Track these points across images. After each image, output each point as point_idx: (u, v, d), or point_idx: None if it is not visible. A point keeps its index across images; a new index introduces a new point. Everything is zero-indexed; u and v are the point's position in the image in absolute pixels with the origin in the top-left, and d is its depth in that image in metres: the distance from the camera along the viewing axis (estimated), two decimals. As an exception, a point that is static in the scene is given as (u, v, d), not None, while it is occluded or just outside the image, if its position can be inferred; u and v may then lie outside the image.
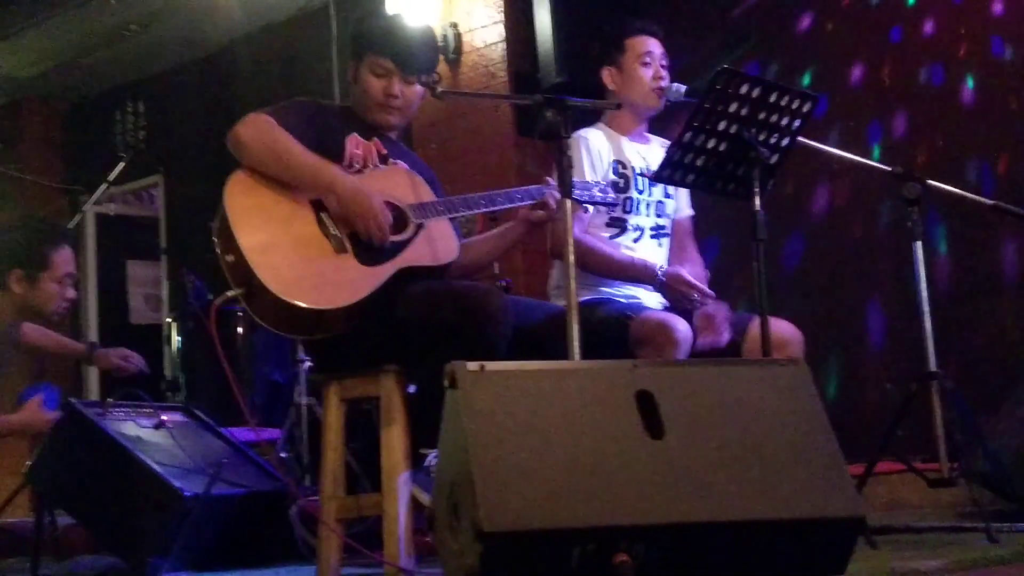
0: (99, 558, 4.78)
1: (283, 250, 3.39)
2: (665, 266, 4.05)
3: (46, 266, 4.52)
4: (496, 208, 3.75)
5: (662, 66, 4.24)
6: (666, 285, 3.93)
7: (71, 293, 4.57)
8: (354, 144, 3.70)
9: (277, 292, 3.28)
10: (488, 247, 3.93)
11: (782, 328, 3.85)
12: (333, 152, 3.62)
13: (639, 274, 4.03)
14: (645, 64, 4.22)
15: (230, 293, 3.36)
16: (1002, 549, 3.49)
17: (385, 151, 3.78)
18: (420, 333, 3.40)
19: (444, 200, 3.70)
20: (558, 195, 3.61)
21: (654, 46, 4.25)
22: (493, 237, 3.93)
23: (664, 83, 4.21)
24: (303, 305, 3.30)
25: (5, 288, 4.43)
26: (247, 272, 3.31)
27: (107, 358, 4.99)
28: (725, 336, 3.88)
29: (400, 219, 3.58)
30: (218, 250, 3.42)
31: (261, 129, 3.53)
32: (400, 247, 3.54)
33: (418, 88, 3.80)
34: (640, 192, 4.19)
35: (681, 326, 3.70)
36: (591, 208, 4.02)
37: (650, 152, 4.26)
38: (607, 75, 4.26)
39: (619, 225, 4.15)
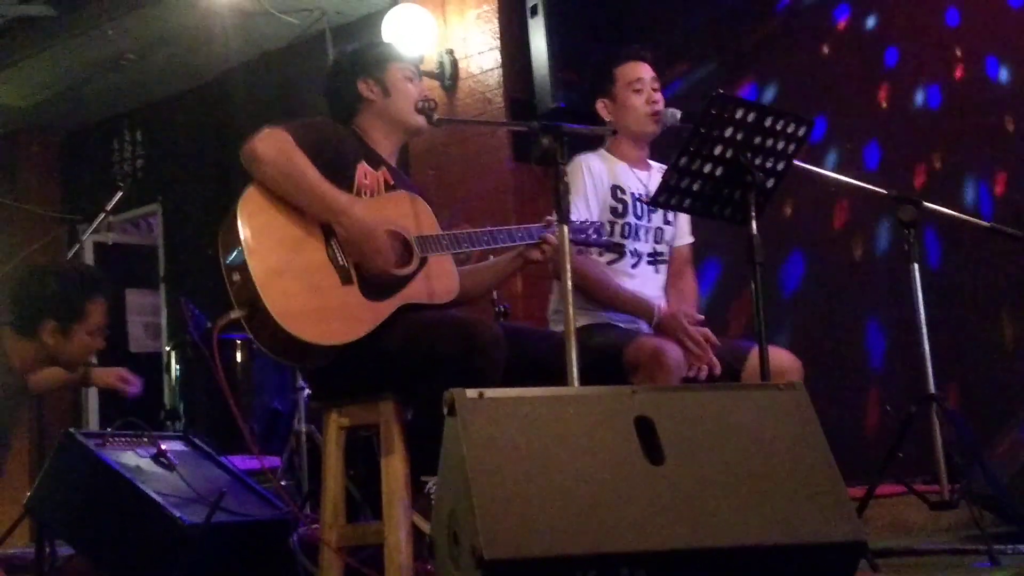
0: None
1: (291, 277, 3.39)
2: (663, 306, 4.06)
3: (81, 317, 4.20)
4: (498, 246, 3.76)
5: (654, 89, 4.24)
6: (661, 326, 3.96)
7: (100, 344, 4.39)
8: (362, 174, 3.70)
9: (281, 322, 3.28)
10: (484, 277, 3.94)
11: (781, 357, 3.86)
12: (344, 178, 3.62)
13: (637, 310, 4.04)
14: (636, 91, 4.22)
15: (232, 315, 3.36)
16: (1004, 570, 3.49)
17: (392, 182, 3.79)
18: (414, 364, 3.41)
19: (449, 235, 3.70)
20: (553, 240, 3.65)
21: (643, 71, 4.25)
22: (490, 268, 3.94)
23: (658, 106, 4.21)
24: (305, 339, 3.31)
25: (34, 337, 4.15)
26: (253, 295, 3.31)
27: (104, 377, 4.82)
28: (716, 370, 3.89)
29: (405, 250, 3.59)
30: (224, 266, 3.42)
31: (278, 146, 3.51)
32: (403, 282, 3.55)
33: None
34: (639, 218, 4.19)
35: (674, 353, 3.72)
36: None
37: (651, 179, 4.25)
38: (601, 107, 4.26)
39: (617, 250, 4.15)
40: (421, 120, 3.85)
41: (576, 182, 4.04)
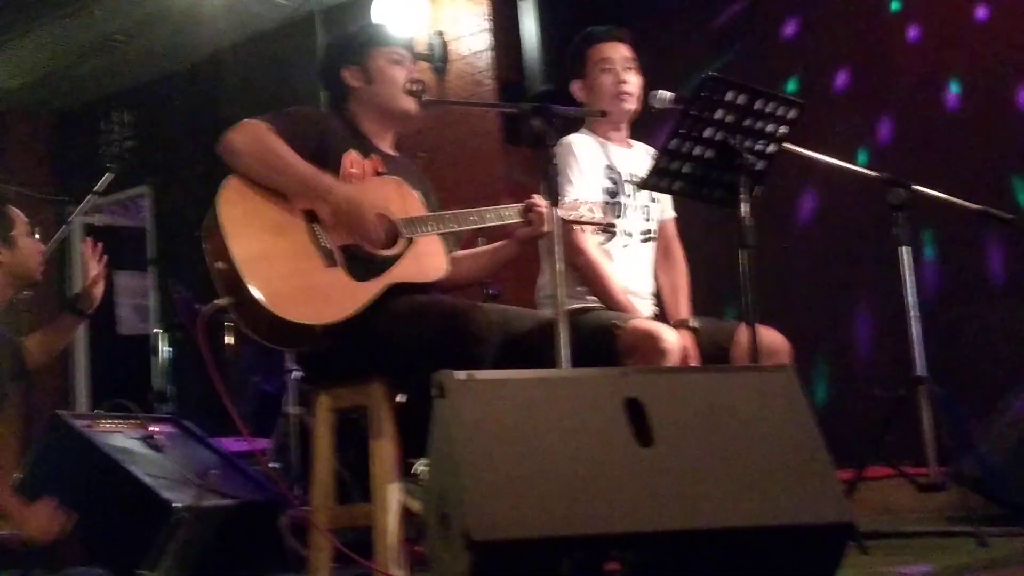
0: (90, 570, 4.75)
1: (275, 261, 3.38)
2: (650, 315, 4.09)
3: (12, 223, 4.25)
4: (485, 224, 3.75)
5: (626, 69, 4.22)
6: None
7: (40, 245, 4.38)
8: (350, 163, 3.69)
9: (267, 305, 3.27)
10: (480, 263, 3.94)
11: (770, 337, 3.86)
12: (329, 167, 3.61)
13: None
14: (605, 71, 4.20)
15: (219, 302, 3.36)
16: (992, 553, 3.50)
17: (383, 170, 3.78)
18: (405, 349, 3.40)
19: (434, 215, 3.70)
20: (541, 204, 3.63)
21: (613, 51, 4.23)
22: (486, 254, 3.94)
23: (626, 87, 4.19)
24: (292, 320, 3.30)
25: None
26: (238, 281, 3.30)
27: (89, 293, 4.52)
28: None
29: (391, 233, 3.58)
30: (208, 256, 3.41)
31: (254, 136, 3.51)
32: (390, 262, 3.54)
33: None
34: (628, 196, 4.19)
35: (669, 335, 3.71)
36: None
37: (634, 157, 4.26)
38: (576, 88, 4.28)
39: (610, 230, 4.14)
40: (409, 104, 3.82)
41: (568, 162, 4.05)
